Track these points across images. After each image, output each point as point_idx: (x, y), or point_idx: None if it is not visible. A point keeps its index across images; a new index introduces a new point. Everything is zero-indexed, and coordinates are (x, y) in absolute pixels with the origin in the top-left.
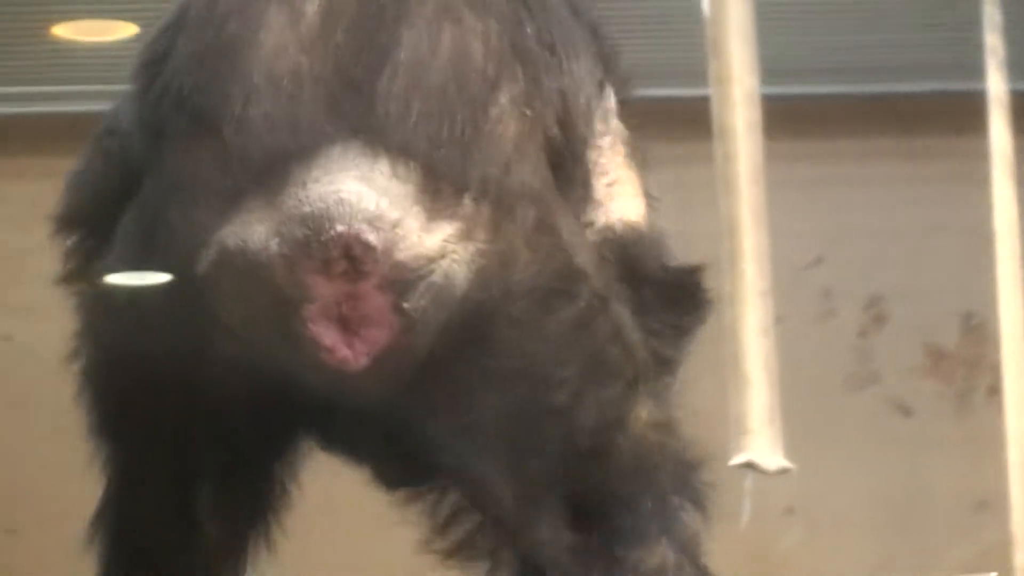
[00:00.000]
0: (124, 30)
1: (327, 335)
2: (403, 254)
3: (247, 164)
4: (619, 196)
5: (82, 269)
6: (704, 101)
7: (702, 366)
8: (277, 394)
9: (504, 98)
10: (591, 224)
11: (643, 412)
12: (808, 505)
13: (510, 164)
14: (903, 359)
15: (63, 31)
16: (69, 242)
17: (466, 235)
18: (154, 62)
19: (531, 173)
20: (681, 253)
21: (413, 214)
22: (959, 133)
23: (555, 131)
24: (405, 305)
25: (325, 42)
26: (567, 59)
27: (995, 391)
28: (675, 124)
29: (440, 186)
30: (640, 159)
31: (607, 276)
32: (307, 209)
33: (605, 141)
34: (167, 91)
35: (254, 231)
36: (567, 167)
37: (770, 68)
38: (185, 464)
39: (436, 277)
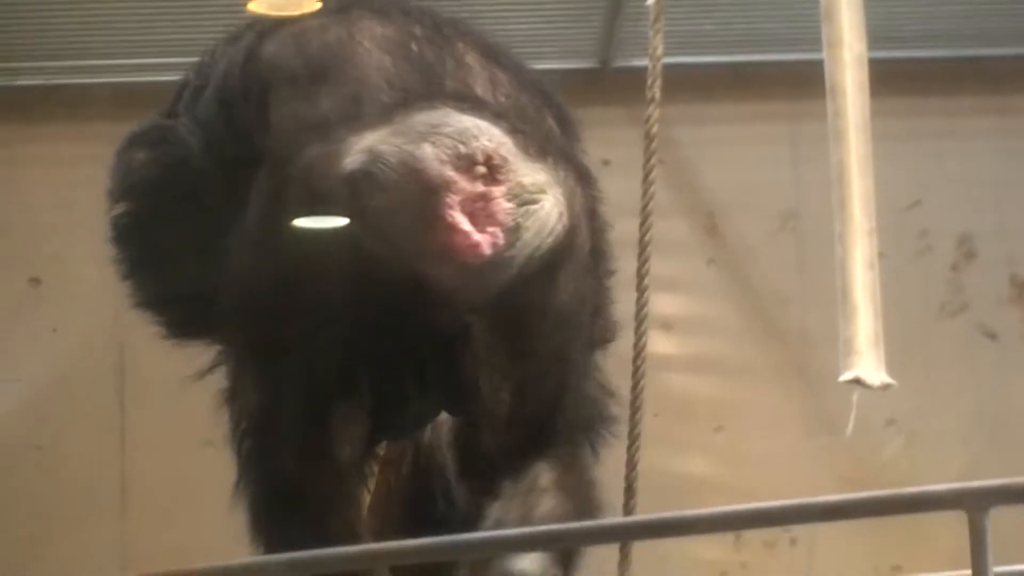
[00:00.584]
0: (310, 5)
1: (462, 223)
2: (525, 178)
3: (374, 107)
4: None
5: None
6: (818, 64)
7: (817, 298)
8: (393, 287)
9: (546, 115)
10: None
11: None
12: (907, 418)
13: (568, 153)
14: (990, 290)
15: (258, 6)
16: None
17: (555, 185)
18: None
19: (580, 164)
20: (798, 199)
21: (520, 157)
22: None
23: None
24: (521, 220)
25: (408, 43)
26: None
27: None
28: (792, 85)
29: (528, 146)
30: None
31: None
32: (454, 127)
33: None
34: (269, 80)
35: (402, 140)
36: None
37: (876, 34)
38: (322, 389)
39: (540, 209)
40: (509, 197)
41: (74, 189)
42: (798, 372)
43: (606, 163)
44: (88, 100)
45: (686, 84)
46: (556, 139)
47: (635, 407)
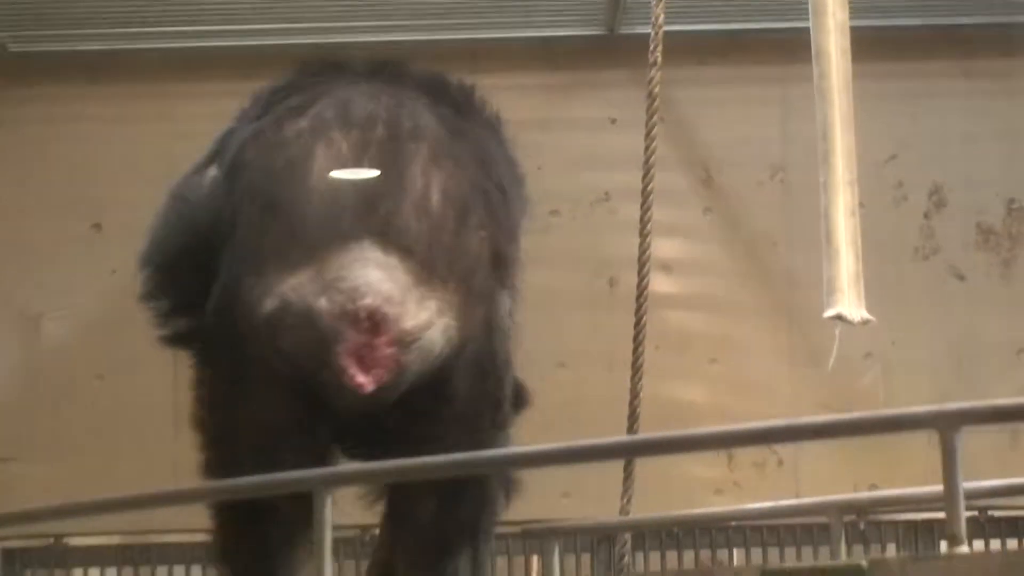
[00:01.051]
0: None
1: (351, 366)
2: (407, 323)
3: (302, 245)
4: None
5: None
6: (805, 31)
7: (803, 242)
8: (311, 400)
9: (471, 224)
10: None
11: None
12: (883, 350)
13: (474, 270)
14: (958, 236)
15: None
16: (144, 275)
17: (444, 313)
18: (230, 166)
19: (485, 278)
20: (785, 153)
21: (412, 297)
22: (1007, 57)
23: (499, 248)
24: (402, 358)
25: (356, 167)
26: (509, 199)
27: None
28: (781, 50)
29: (430, 278)
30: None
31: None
32: (348, 284)
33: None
34: (244, 191)
35: (308, 290)
36: (503, 274)
37: (858, 4)
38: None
39: (424, 341)
40: (391, 343)
41: (133, 144)
42: (785, 309)
43: (613, 121)
44: (145, 64)
45: (685, 49)
46: (467, 264)
47: (638, 341)
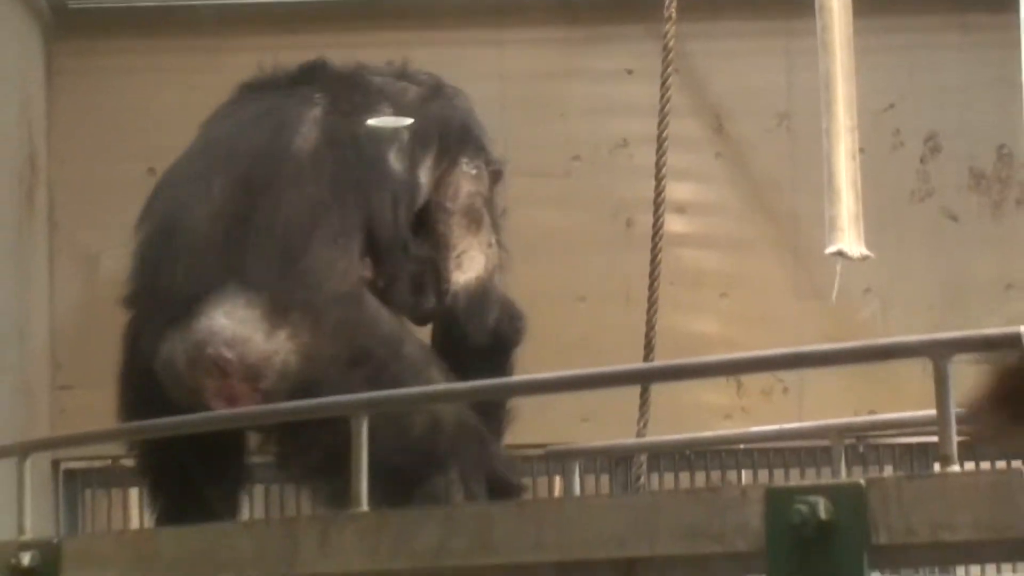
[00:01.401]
0: None
1: (220, 406)
2: (252, 358)
3: (176, 301)
4: (463, 266)
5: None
6: None
7: (807, 185)
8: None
9: (328, 231)
10: (446, 292)
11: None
12: (882, 286)
13: (322, 284)
14: (952, 179)
15: None
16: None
17: (294, 337)
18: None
19: (339, 284)
20: (791, 101)
21: (260, 330)
22: (1000, 12)
23: (382, 229)
24: (259, 386)
25: (214, 222)
26: (387, 195)
27: (1020, 202)
28: (787, 4)
29: (278, 308)
30: (485, 219)
31: (411, 343)
32: (195, 337)
33: (452, 219)
34: (140, 244)
35: (174, 348)
36: (387, 258)
37: None
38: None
39: (276, 366)
40: (243, 379)
41: (184, 94)
42: (790, 247)
43: (630, 72)
44: (196, 20)
45: (698, 5)
46: (318, 276)
47: (653, 277)
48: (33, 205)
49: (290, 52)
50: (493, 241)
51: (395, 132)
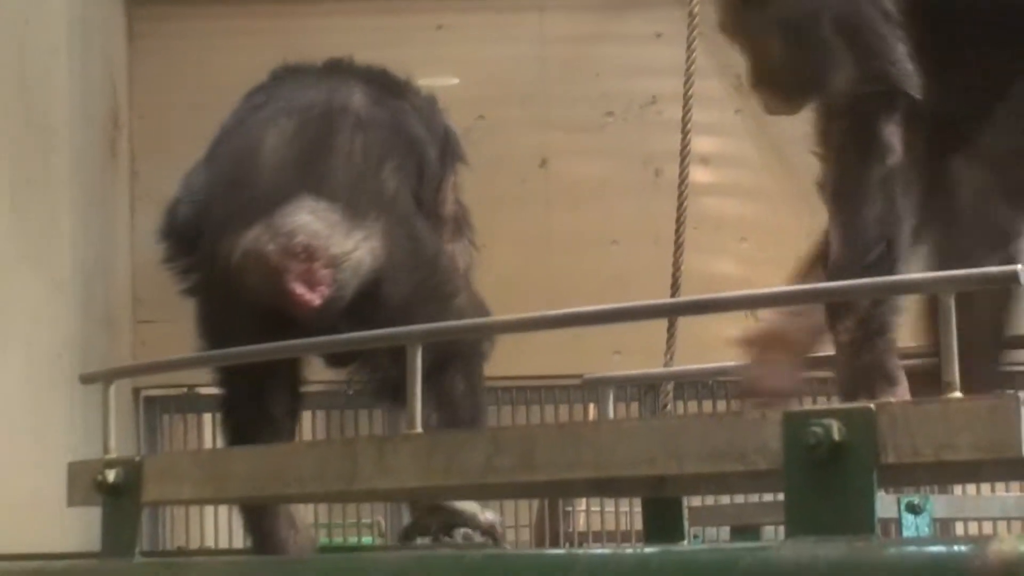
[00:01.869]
0: None
1: (298, 288)
2: (334, 249)
3: (257, 208)
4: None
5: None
6: None
7: None
8: (280, 323)
9: (388, 169)
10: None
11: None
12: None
13: (393, 202)
14: None
15: None
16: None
17: (368, 239)
18: (207, 158)
19: (403, 208)
20: None
21: (340, 229)
22: None
23: (416, 190)
24: (337, 275)
25: (288, 149)
26: (420, 154)
27: None
28: None
29: (354, 215)
30: (464, 224)
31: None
32: (286, 228)
33: (444, 225)
34: (216, 175)
35: (261, 237)
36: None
37: None
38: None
39: (352, 261)
40: (325, 265)
41: (250, 53)
42: (805, 195)
43: (658, 35)
44: None
45: None
46: (386, 199)
47: (680, 222)
48: (116, 155)
49: (344, 17)
50: (467, 243)
51: (424, 124)
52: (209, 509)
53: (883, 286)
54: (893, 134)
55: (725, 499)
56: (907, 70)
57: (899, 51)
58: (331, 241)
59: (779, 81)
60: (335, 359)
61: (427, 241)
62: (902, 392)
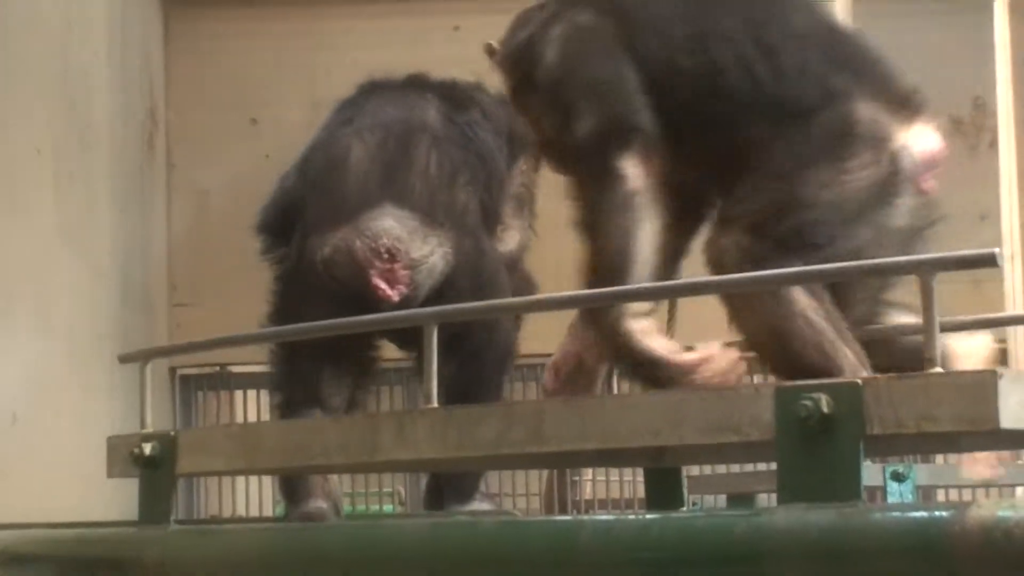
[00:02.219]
0: None
1: (380, 284)
2: (414, 253)
3: (345, 212)
4: (504, 239)
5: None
6: None
7: None
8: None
9: (459, 184)
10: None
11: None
12: None
13: (463, 215)
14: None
15: None
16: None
17: (442, 245)
18: (301, 163)
19: (472, 220)
20: None
21: (418, 236)
22: None
23: (485, 200)
24: (414, 276)
25: (372, 161)
26: (490, 167)
27: (993, 144)
28: None
29: (431, 223)
30: (526, 206)
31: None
32: (372, 231)
33: (508, 203)
34: (309, 181)
35: (350, 237)
36: (490, 217)
37: None
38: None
39: (428, 264)
40: (405, 267)
41: (280, 54)
42: None
43: None
44: None
45: None
46: (457, 211)
47: None
48: (153, 149)
49: (367, 20)
50: (527, 225)
51: (492, 128)
52: (240, 481)
53: (868, 268)
54: (628, 166)
55: (722, 469)
56: (638, 109)
57: (633, 97)
58: (411, 245)
59: (553, 146)
60: (405, 342)
61: (490, 254)
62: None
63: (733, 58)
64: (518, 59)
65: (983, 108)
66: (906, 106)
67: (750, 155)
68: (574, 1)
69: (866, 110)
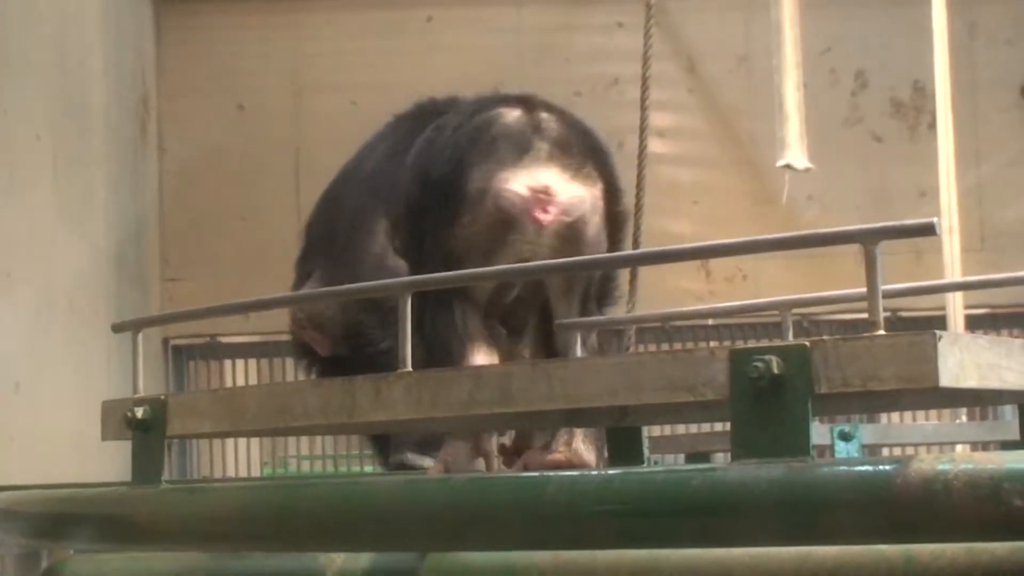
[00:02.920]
0: None
1: (541, 214)
2: (568, 196)
3: (510, 161)
4: None
5: None
6: None
7: (762, 113)
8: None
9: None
10: None
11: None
12: (821, 194)
13: (614, 169)
14: (877, 108)
15: None
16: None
17: (585, 191)
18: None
19: (614, 174)
20: (748, 46)
21: (571, 186)
22: None
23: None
24: (565, 214)
25: (531, 127)
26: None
27: (932, 126)
28: None
29: (573, 177)
30: None
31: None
32: (535, 179)
33: None
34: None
35: (515, 182)
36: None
37: None
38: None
39: (577, 208)
40: (561, 205)
41: (265, 45)
42: (749, 163)
43: (620, 24)
44: None
45: None
46: (591, 171)
47: (639, 188)
48: (146, 134)
49: (348, 12)
50: None
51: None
52: (230, 445)
53: (822, 236)
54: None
55: (681, 429)
56: None
57: None
58: (566, 190)
59: None
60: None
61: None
62: None
63: None
64: None
65: (923, 91)
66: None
67: None
68: None
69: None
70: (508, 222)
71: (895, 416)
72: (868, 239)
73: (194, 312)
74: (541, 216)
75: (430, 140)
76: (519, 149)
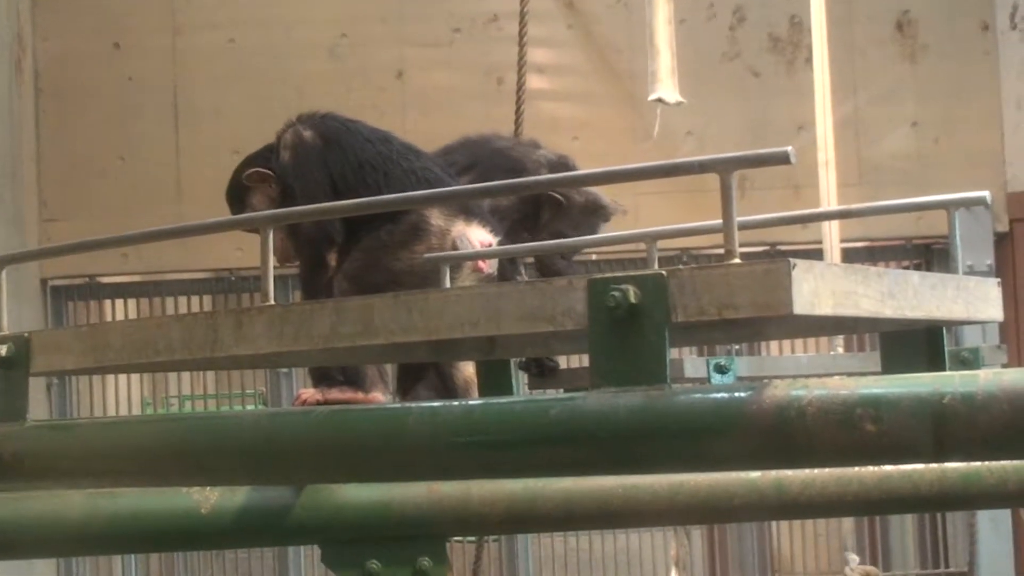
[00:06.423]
0: None
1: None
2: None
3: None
4: None
5: None
6: None
7: (639, 49)
8: None
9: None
10: None
11: None
12: (700, 129)
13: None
14: (755, 43)
15: None
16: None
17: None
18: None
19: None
20: None
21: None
22: None
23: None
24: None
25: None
26: None
27: (808, 60)
28: None
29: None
30: None
31: None
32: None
33: None
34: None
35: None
36: None
37: None
38: None
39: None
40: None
41: None
42: (628, 99)
43: None
44: None
45: None
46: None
47: (518, 124)
48: (22, 73)
49: None
50: None
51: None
52: (111, 386)
53: (684, 165)
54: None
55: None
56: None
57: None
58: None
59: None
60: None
61: None
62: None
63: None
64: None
65: (799, 26)
66: (464, 211)
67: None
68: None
69: (434, 215)
70: None
71: (774, 349)
72: (723, 168)
73: (61, 248)
74: None
75: None
76: None
